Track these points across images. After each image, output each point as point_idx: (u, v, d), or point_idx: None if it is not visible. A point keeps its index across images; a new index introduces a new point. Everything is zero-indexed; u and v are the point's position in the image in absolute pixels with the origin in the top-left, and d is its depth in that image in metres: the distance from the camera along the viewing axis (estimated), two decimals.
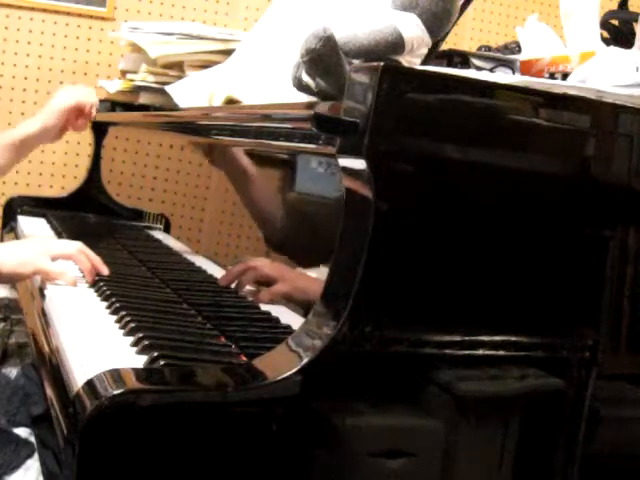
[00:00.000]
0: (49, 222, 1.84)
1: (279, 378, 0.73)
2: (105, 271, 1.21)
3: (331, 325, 0.74)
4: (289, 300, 1.03)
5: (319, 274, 0.95)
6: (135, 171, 1.88)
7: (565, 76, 1.03)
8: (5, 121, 2.17)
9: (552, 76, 1.06)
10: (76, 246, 1.22)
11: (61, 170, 2.23)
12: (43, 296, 1.17)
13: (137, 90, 1.74)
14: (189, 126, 1.38)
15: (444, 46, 1.08)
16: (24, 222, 1.85)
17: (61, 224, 1.76)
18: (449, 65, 1.28)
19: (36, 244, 1.25)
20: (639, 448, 0.92)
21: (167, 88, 1.47)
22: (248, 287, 1.13)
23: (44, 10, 2.15)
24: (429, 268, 0.78)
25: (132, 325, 0.96)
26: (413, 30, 0.86)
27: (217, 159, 1.40)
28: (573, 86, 0.89)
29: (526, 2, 2.59)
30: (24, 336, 1.64)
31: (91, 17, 2.19)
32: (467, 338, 0.79)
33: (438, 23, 0.88)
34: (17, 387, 1.37)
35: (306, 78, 0.86)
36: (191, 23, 2.09)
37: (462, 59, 1.30)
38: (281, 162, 1.14)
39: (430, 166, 0.77)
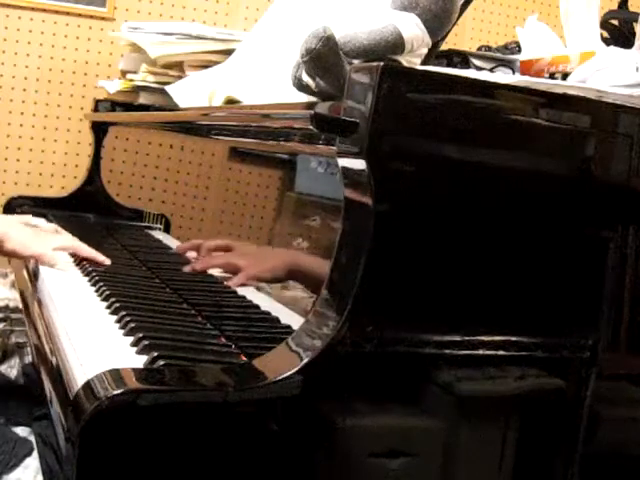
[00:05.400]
0: (49, 222, 1.84)
1: (279, 378, 0.73)
2: (107, 261, 1.31)
3: (331, 325, 0.74)
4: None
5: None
6: (135, 171, 1.88)
7: (565, 76, 1.03)
8: (5, 121, 2.17)
9: (552, 76, 1.06)
10: (74, 239, 1.34)
11: (61, 170, 2.23)
12: (43, 296, 1.17)
13: (137, 90, 1.74)
14: (189, 126, 1.38)
15: (444, 46, 1.08)
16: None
17: (61, 224, 1.76)
18: (449, 65, 1.27)
19: (42, 233, 1.36)
20: (639, 448, 0.92)
21: (167, 88, 1.47)
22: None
23: (44, 10, 2.15)
24: (429, 268, 0.78)
25: (132, 325, 0.96)
26: (413, 30, 0.86)
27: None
28: (573, 86, 0.89)
29: (526, 2, 2.58)
30: (24, 336, 1.64)
31: (91, 17, 2.20)
32: (467, 338, 0.79)
33: (438, 23, 0.88)
34: (17, 387, 1.37)
35: (306, 78, 0.86)
36: (191, 23, 2.09)
37: (462, 59, 1.29)
38: (281, 162, 1.14)
39: (430, 166, 0.77)
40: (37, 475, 1.15)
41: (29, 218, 1.42)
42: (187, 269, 1.26)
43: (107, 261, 1.32)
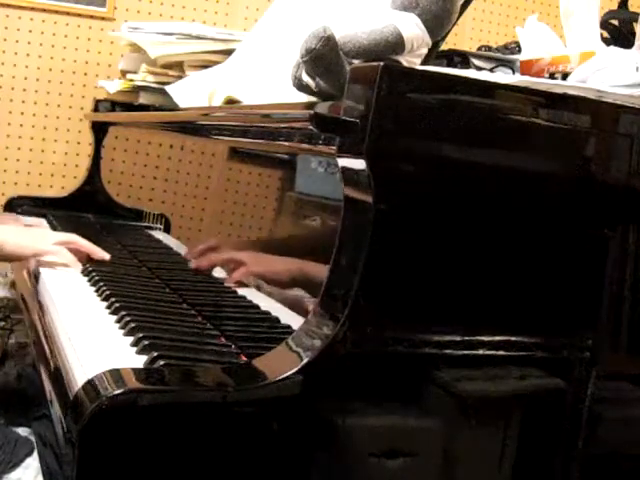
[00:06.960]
0: (49, 222, 1.84)
1: (279, 378, 0.73)
2: (106, 256, 1.32)
3: (331, 325, 0.74)
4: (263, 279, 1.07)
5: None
6: (135, 171, 1.88)
7: (565, 76, 1.03)
8: (5, 121, 2.17)
9: (552, 76, 1.06)
10: (73, 234, 1.35)
11: (61, 170, 2.23)
12: (43, 296, 1.17)
13: (137, 90, 1.74)
14: (189, 126, 1.38)
15: (444, 46, 1.08)
16: (24, 222, 1.85)
17: (61, 224, 1.76)
18: (449, 65, 1.27)
19: (38, 231, 1.39)
20: (639, 448, 0.92)
21: (167, 88, 1.47)
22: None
23: (44, 10, 2.15)
24: (429, 268, 0.78)
25: (132, 325, 0.96)
26: (413, 30, 0.86)
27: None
28: (573, 86, 0.89)
29: (526, 2, 2.58)
30: (24, 336, 1.64)
31: (91, 17, 2.19)
32: (467, 338, 0.79)
33: (438, 23, 0.88)
34: (17, 387, 1.37)
35: (306, 78, 0.86)
36: (191, 23, 2.09)
37: (462, 59, 1.29)
38: (281, 162, 1.14)
39: (430, 166, 0.77)
40: (37, 475, 1.15)
41: (24, 220, 1.42)
42: (192, 266, 1.26)
43: (107, 256, 1.32)
